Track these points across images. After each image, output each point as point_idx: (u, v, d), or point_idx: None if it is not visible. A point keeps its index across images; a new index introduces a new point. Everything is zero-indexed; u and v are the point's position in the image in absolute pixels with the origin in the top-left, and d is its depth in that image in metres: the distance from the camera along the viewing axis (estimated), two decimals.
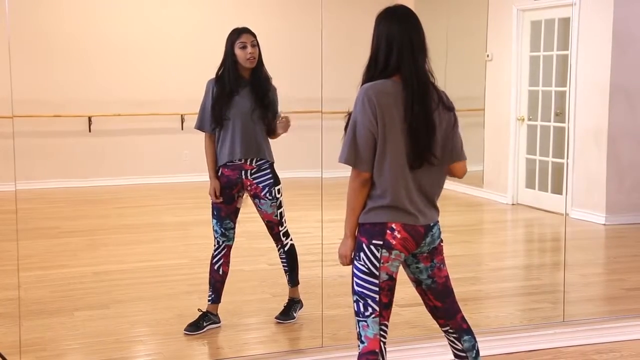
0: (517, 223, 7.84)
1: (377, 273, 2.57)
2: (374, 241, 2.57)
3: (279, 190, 4.09)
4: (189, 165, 8.55)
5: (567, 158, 7.14)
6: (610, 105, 7.07)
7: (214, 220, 4.09)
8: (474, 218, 7.94)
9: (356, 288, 2.61)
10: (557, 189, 7.50)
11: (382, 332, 2.62)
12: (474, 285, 5.08)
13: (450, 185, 9.57)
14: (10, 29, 3.81)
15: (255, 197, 4.08)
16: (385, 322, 2.62)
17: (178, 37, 9.04)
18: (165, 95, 8.88)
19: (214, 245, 4.11)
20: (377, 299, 2.59)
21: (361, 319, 2.61)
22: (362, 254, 2.59)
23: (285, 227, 4.16)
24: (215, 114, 4.00)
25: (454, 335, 2.80)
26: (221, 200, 4.05)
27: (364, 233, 2.60)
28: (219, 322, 4.14)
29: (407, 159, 2.57)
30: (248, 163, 4.03)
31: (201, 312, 4.11)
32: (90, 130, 8.77)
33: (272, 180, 4.07)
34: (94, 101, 8.76)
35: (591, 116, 7.21)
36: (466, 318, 2.83)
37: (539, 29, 7.86)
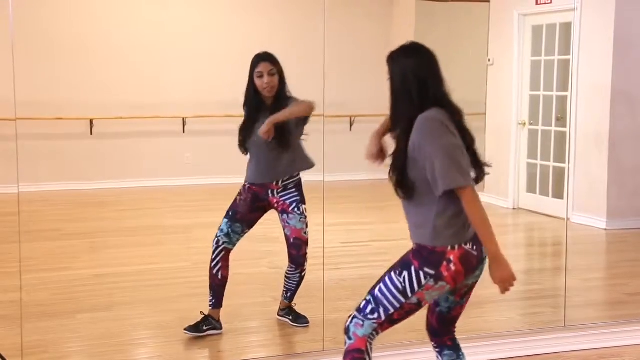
0: (518, 227, 7.84)
1: (409, 295, 2.55)
2: (425, 269, 2.52)
3: (305, 209, 4.06)
4: (191, 168, 8.57)
5: (569, 162, 7.14)
6: (612, 109, 7.07)
7: (225, 220, 4.05)
8: None
9: (376, 292, 2.58)
10: (558, 194, 7.50)
11: (371, 336, 2.61)
12: (474, 289, 5.07)
13: None
14: (14, 31, 3.82)
15: (283, 212, 4.03)
16: (379, 331, 2.61)
17: (180, 41, 9.06)
18: (167, 98, 8.90)
19: (213, 246, 4.06)
20: (390, 313, 2.57)
21: (360, 317, 2.59)
22: (406, 274, 2.54)
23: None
24: (240, 141, 4.03)
25: (437, 350, 2.82)
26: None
27: (418, 256, 2.55)
28: (220, 328, 4.11)
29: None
30: (274, 183, 4.02)
31: (203, 315, 4.10)
32: (92, 133, 8.79)
33: (298, 198, 4.04)
34: (95, 104, 8.78)
35: (592, 121, 7.21)
36: (456, 337, 2.84)
37: (540, 33, 7.87)
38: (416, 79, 2.56)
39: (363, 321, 2.59)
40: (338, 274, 4.71)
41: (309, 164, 4.10)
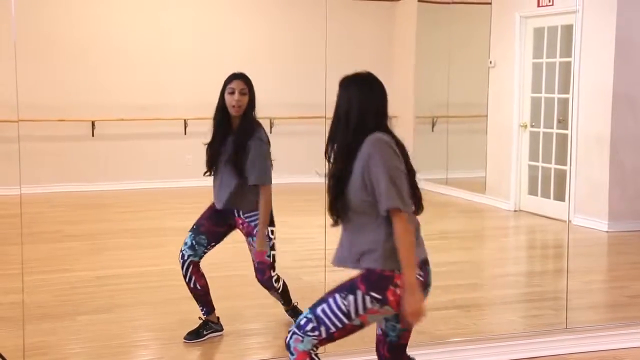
0: (519, 230, 7.84)
1: (353, 317, 2.55)
2: (372, 293, 2.52)
3: (272, 231, 3.95)
4: (192, 169, 8.52)
5: (570, 165, 7.14)
6: (613, 112, 7.07)
7: (190, 233, 4.00)
8: (476, 224, 7.93)
9: (319, 311, 2.57)
10: (560, 196, 7.49)
11: (313, 349, 2.59)
12: (475, 291, 5.08)
13: (452, 191, 9.60)
14: (16, 33, 3.83)
15: (248, 235, 3.97)
16: (319, 346, 2.59)
17: (181, 42, 9.06)
18: (169, 99, 8.90)
19: (179, 261, 4.02)
20: (331, 332, 2.56)
21: (299, 333, 2.57)
22: (351, 298, 2.54)
23: (276, 272, 4.03)
24: (207, 160, 3.95)
25: None
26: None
27: (365, 281, 2.54)
28: (221, 329, 4.11)
29: None
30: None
31: (202, 320, 4.09)
32: (93, 135, 8.80)
33: None
34: (97, 105, 8.78)
35: (594, 123, 7.21)
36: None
37: (541, 36, 7.87)
38: (361, 110, 2.57)
39: (303, 337, 2.56)
40: (339, 276, 4.68)
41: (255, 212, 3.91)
